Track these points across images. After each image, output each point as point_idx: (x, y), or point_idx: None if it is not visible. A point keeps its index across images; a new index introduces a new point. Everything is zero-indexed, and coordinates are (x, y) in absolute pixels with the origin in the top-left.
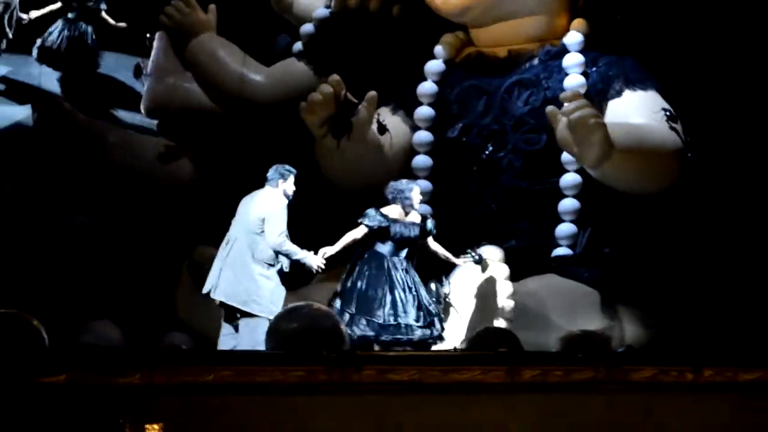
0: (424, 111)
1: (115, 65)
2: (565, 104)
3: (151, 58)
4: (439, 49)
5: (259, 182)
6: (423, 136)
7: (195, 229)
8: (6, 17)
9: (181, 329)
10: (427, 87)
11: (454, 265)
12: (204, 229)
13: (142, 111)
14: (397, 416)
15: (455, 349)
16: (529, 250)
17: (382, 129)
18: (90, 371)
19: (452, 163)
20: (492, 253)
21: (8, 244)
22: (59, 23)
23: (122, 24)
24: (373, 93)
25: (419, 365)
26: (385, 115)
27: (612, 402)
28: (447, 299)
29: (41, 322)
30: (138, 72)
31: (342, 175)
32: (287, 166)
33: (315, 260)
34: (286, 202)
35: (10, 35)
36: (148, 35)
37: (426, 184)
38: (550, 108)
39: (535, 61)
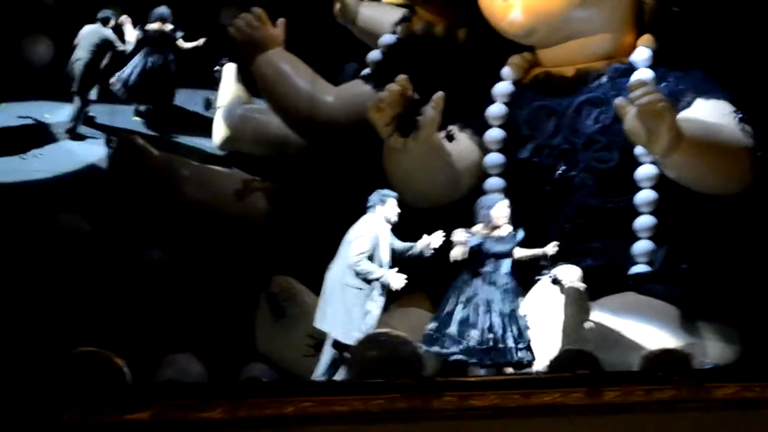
0: (494, 133)
1: (185, 98)
2: (632, 92)
3: (220, 90)
4: (506, 70)
5: (336, 209)
6: (494, 158)
7: (272, 260)
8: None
9: (261, 361)
10: (496, 109)
11: (530, 285)
12: (281, 259)
13: (214, 143)
14: None
15: (536, 372)
16: (605, 269)
17: (450, 137)
18: (173, 406)
19: (524, 184)
20: (568, 272)
21: (87, 283)
22: (140, 56)
23: (200, 41)
24: (440, 93)
25: (500, 389)
26: (453, 130)
27: (695, 420)
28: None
29: (123, 358)
30: (208, 105)
31: (408, 182)
32: (386, 191)
33: (395, 279)
34: (383, 227)
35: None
36: (216, 67)
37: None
38: (618, 100)
39: (604, 79)
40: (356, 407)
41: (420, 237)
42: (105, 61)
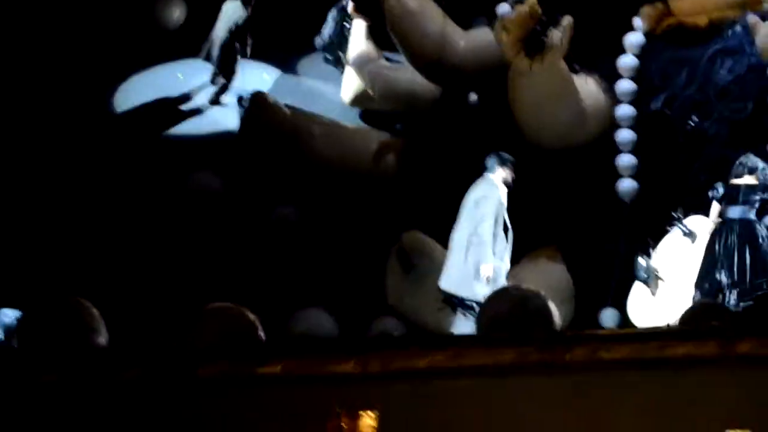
0: (626, 85)
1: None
2: None
3: (349, 47)
4: (638, 21)
5: (465, 163)
6: (626, 110)
7: (402, 215)
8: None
9: (391, 315)
10: (627, 60)
11: (662, 235)
12: (411, 214)
13: (344, 100)
14: (610, 394)
15: (668, 324)
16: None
17: (574, 69)
18: (305, 361)
19: (657, 136)
20: (702, 224)
21: (221, 240)
22: (335, 18)
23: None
24: (569, 17)
25: (631, 342)
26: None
27: None
28: (656, 273)
29: (256, 314)
30: (337, 62)
31: (533, 112)
32: (505, 154)
33: (487, 269)
34: (503, 189)
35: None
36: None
37: (631, 159)
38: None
39: (738, 29)
40: (487, 360)
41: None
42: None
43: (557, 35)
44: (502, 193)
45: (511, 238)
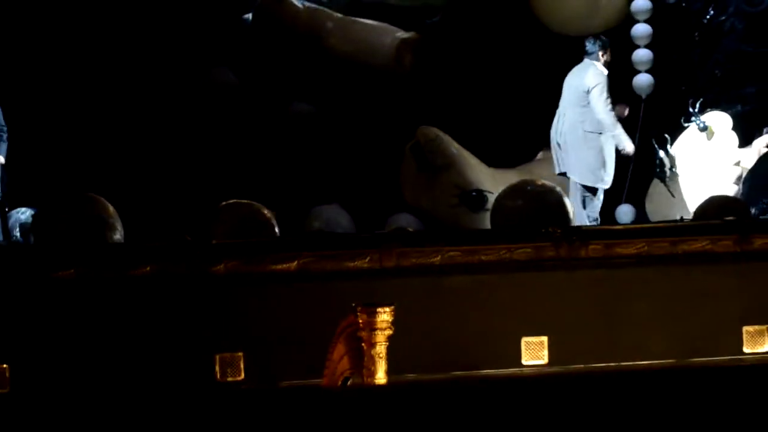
0: None
1: None
2: None
3: None
4: None
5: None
6: (641, 3)
7: (418, 110)
8: None
9: (407, 211)
10: None
11: (677, 129)
12: (427, 109)
13: None
14: (626, 289)
15: (681, 219)
16: (757, 115)
17: None
18: (320, 257)
19: (672, 29)
20: (718, 119)
21: (237, 136)
22: None
23: None
24: None
25: (646, 237)
26: None
27: None
28: (673, 168)
29: (272, 210)
30: None
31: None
32: (603, 37)
33: (629, 144)
34: (607, 72)
35: None
36: None
37: (647, 53)
38: None
39: None
40: (503, 256)
41: None
42: None
43: None
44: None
45: None
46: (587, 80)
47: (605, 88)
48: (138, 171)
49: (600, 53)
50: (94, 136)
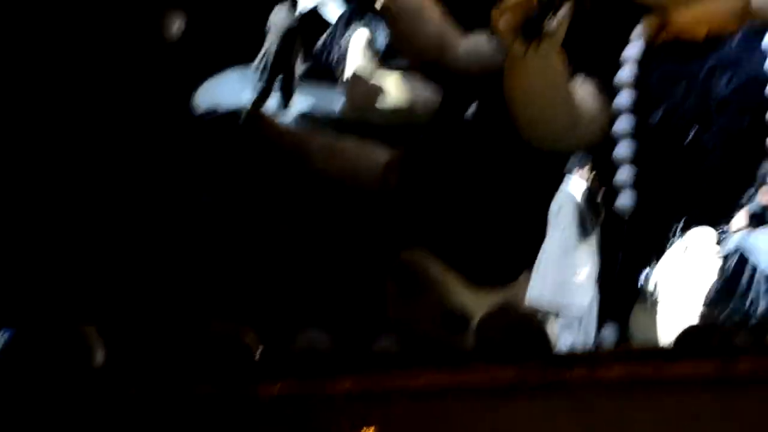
0: (624, 96)
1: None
2: None
3: (347, 59)
4: (637, 33)
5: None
6: (625, 120)
7: (403, 231)
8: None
9: (391, 333)
10: (626, 72)
11: (662, 249)
12: (412, 230)
13: (342, 114)
14: (610, 414)
15: (667, 343)
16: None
17: (572, 69)
18: (302, 380)
19: (656, 148)
20: (703, 237)
21: (218, 257)
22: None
23: None
24: (568, 5)
25: (630, 361)
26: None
27: None
28: (658, 289)
29: (254, 333)
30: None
31: (525, 104)
32: (583, 154)
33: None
34: (580, 192)
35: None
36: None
37: (630, 171)
38: None
39: (735, 41)
40: (486, 380)
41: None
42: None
43: (554, 23)
44: (581, 195)
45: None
46: (556, 202)
47: (569, 210)
48: (119, 290)
49: (576, 170)
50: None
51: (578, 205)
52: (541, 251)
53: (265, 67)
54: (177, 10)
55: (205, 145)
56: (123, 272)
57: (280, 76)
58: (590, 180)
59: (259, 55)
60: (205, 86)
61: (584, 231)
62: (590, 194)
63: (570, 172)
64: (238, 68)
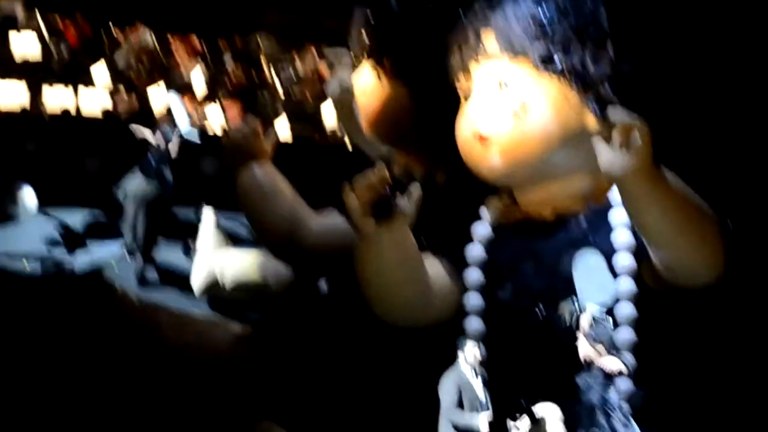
0: (473, 276)
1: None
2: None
3: (199, 234)
4: (485, 212)
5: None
6: (473, 300)
7: (254, 405)
8: None
9: None
10: (475, 251)
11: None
12: (264, 404)
13: (193, 289)
14: None
15: None
16: (587, 405)
17: (422, 245)
18: None
19: (505, 326)
20: (549, 411)
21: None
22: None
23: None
24: (417, 187)
25: None
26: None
27: None
28: None
29: None
30: (187, 249)
31: (377, 283)
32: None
33: (483, 422)
34: (468, 371)
35: None
36: (196, 212)
37: (480, 348)
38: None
39: (582, 220)
40: None
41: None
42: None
43: (405, 202)
44: (465, 376)
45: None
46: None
47: (455, 390)
48: None
49: (463, 349)
50: None
51: (460, 381)
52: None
53: (134, 238)
54: None
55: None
56: None
57: (141, 244)
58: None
59: (126, 225)
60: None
61: (472, 403)
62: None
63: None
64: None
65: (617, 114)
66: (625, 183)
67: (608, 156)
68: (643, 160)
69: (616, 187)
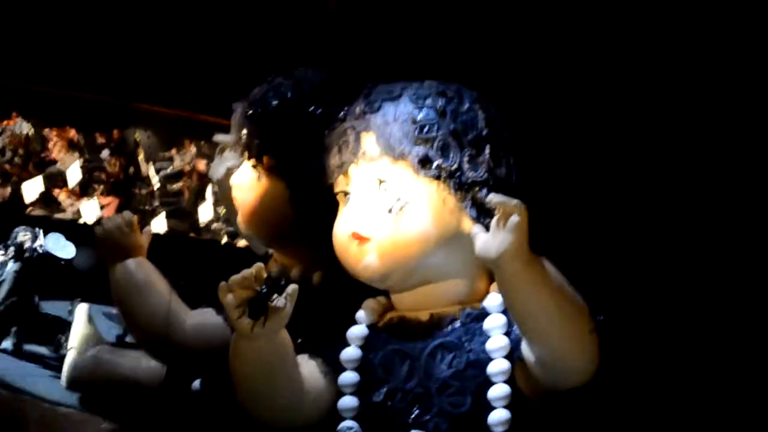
0: (348, 377)
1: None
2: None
3: (71, 330)
4: (361, 314)
5: None
6: (348, 401)
7: None
8: None
9: None
10: (350, 352)
11: None
12: None
13: (64, 385)
14: None
15: None
16: None
17: (301, 347)
18: None
19: (378, 428)
20: None
21: None
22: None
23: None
24: (294, 286)
25: None
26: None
27: None
28: None
29: None
30: (58, 347)
31: (250, 384)
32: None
33: None
34: None
35: None
36: (69, 307)
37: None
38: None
39: (457, 324)
40: None
41: None
42: None
43: (281, 300)
44: None
45: None
46: None
47: None
48: None
49: None
50: None
51: None
52: None
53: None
54: None
55: None
56: None
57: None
58: None
59: None
60: None
61: None
62: None
63: None
64: None
65: (496, 197)
66: (502, 263)
67: (485, 238)
68: (520, 238)
69: (495, 279)
